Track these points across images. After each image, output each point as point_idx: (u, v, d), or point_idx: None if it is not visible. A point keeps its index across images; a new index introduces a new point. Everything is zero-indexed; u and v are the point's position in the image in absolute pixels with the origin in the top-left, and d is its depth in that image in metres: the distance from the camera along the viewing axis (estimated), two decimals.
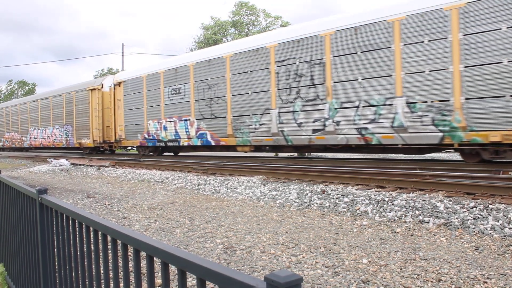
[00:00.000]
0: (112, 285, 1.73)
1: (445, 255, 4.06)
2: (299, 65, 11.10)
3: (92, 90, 20.24)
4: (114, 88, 18.68)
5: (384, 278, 3.51)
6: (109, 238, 1.69)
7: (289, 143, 11.39)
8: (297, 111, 11.12)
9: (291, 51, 11.30)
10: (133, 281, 1.53)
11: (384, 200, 6.20)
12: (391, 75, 9.32)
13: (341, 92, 10.24)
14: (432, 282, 3.39)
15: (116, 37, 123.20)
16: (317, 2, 77.25)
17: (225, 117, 13.20)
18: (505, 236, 4.56)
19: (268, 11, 45.15)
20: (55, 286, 2.46)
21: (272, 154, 17.06)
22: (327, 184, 7.89)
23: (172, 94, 15.21)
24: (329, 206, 6.58)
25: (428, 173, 7.68)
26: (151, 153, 17.68)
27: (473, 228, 4.87)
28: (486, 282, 3.34)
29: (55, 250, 2.41)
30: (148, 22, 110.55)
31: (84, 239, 1.96)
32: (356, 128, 9.93)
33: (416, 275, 3.54)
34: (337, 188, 7.29)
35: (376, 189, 7.05)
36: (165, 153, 18.56)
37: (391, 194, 6.44)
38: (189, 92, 14.49)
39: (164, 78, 15.68)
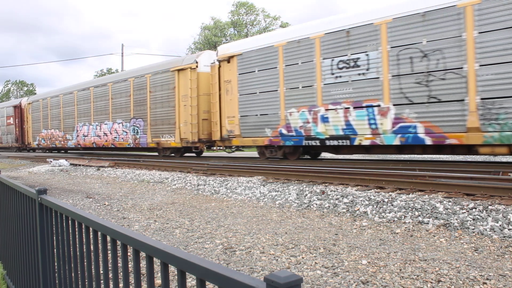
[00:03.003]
0: (111, 285, 1.73)
1: (444, 256, 4.06)
2: None
3: (180, 70, 15.22)
4: (220, 66, 13.70)
5: (384, 279, 3.51)
6: (108, 238, 1.69)
7: None
8: None
9: None
10: (133, 282, 1.53)
11: (383, 201, 6.21)
12: None
13: None
14: (431, 283, 3.39)
15: (119, 38, 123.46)
16: (318, 2, 77.47)
17: (462, 100, 8.54)
18: (504, 237, 4.57)
19: (268, 11, 45.27)
20: (54, 286, 2.46)
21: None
22: (326, 184, 7.89)
23: (341, 68, 10.47)
24: (329, 206, 6.58)
25: (428, 173, 7.69)
26: (283, 157, 12.52)
27: (473, 229, 4.88)
28: (485, 283, 3.34)
29: (55, 250, 2.41)
30: (151, 22, 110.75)
31: (84, 239, 1.96)
32: None
33: (416, 276, 3.54)
34: (337, 189, 7.29)
35: (375, 189, 7.05)
36: (298, 156, 12.75)
37: (390, 195, 6.45)
38: (378, 64, 9.79)
39: (322, 45, 10.83)
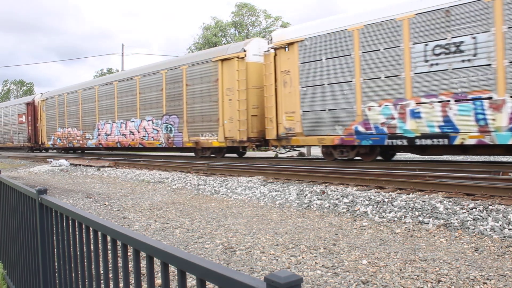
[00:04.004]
0: (111, 285, 1.73)
1: (444, 256, 4.06)
2: None
3: (223, 60, 13.36)
4: (276, 54, 11.90)
5: (384, 278, 3.51)
6: (108, 238, 1.69)
7: None
8: None
9: None
10: (133, 282, 1.53)
11: (383, 201, 6.21)
12: None
13: None
14: (431, 283, 3.39)
15: (119, 37, 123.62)
16: (318, 2, 77.52)
17: None
18: (504, 237, 4.56)
19: (269, 11, 45.28)
20: (54, 286, 2.46)
21: (272, 154, 17.02)
22: (326, 184, 7.89)
23: (438, 54, 8.79)
24: (329, 206, 6.58)
25: (428, 173, 7.69)
26: (354, 158, 10.85)
27: (473, 229, 4.87)
28: (485, 283, 3.34)
29: (55, 250, 2.41)
30: (151, 22, 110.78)
31: (84, 239, 1.96)
32: None
33: (416, 276, 3.54)
34: (337, 189, 7.29)
35: (375, 189, 7.05)
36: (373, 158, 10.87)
37: (390, 195, 6.45)
38: (490, 48, 8.12)
39: (412, 27, 9.13)
